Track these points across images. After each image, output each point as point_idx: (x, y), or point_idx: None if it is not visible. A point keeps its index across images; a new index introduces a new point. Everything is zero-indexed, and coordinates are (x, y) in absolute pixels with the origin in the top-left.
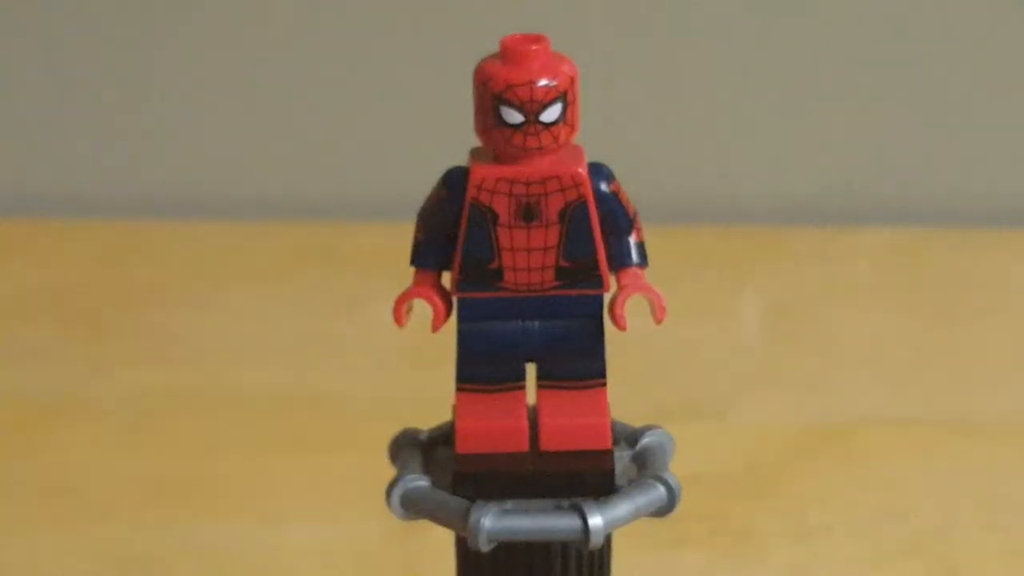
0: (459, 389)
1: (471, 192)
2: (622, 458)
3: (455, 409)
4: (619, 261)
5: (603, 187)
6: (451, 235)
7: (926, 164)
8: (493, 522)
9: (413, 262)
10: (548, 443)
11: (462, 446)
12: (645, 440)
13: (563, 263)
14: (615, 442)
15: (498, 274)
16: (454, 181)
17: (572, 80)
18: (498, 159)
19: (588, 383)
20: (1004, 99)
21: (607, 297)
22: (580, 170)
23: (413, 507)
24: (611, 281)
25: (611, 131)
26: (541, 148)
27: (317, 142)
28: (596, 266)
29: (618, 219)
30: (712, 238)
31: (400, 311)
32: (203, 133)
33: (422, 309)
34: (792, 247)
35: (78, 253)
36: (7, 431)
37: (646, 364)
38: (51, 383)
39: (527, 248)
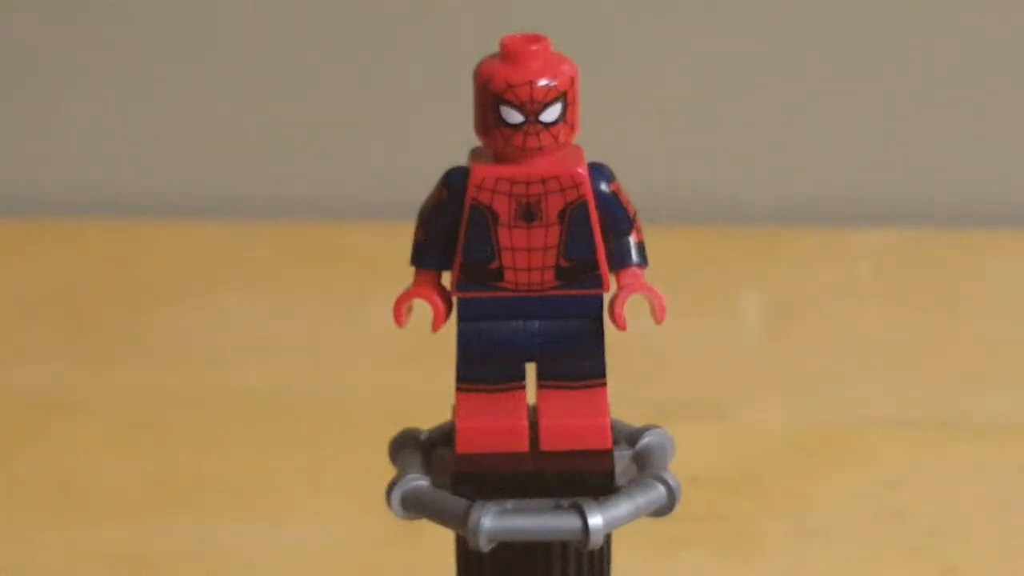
0: (459, 389)
1: (471, 192)
2: (622, 458)
3: (455, 409)
4: (619, 261)
5: (603, 187)
6: (451, 235)
7: (926, 164)
8: (493, 522)
9: (413, 262)
10: (548, 443)
11: (462, 446)
12: (645, 440)
13: (563, 263)
14: (615, 442)
15: (498, 274)
16: (454, 181)
17: (572, 80)
18: (498, 159)
19: (588, 383)
20: (1004, 99)
21: (607, 297)
22: (580, 170)
23: (413, 507)
24: (611, 281)
25: (611, 131)
26: (541, 148)
27: (317, 142)
28: (596, 266)
29: (618, 219)
30: (712, 238)
31: (400, 311)
32: (203, 133)
33: (422, 309)
34: (792, 247)
35: (78, 253)
36: (7, 431)
37: (646, 364)
38: (51, 383)
39: (527, 248)
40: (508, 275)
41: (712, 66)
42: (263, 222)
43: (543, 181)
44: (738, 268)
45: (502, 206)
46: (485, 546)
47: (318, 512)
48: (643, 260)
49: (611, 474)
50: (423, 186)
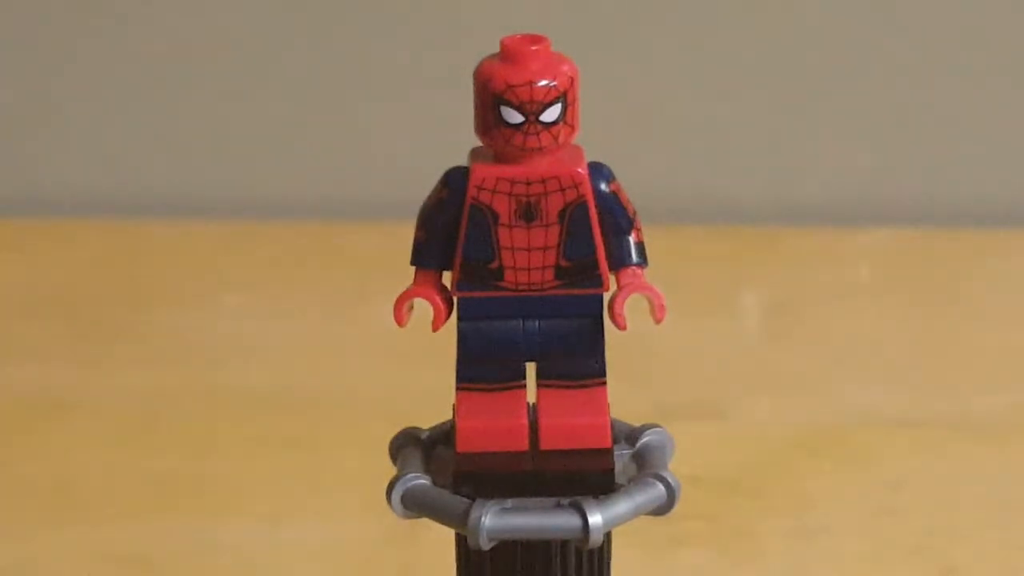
0: (459, 388)
1: (471, 192)
2: (622, 457)
3: (455, 408)
4: (619, 261)
5: (603, 187)
6: (451, 235)
7: (926, 164)
8: (493, 520)
9: (413, 262)
10: (548, 442)
11: (462, 445)
12: (645, 439)
13: (563, 263)
14: (615, 441)
15: (498, 274)
16: (454, 181)
17: (572, 80)
18: (498, 159)
19: (588, 382)
20: (1004, 99)
21: (607, 296)
22: (580, 170)
23: (413, 506)
24: (611, 280)
25: (611, 131)
26: (541, 148)
27: (317, 142)
28: (596, 266)
29: (618, 219)
30: (712, 238)
31: (400, 311)
32: (203, 133)
33: (422, 309)
34: (792, 247)
35: (78, 253)
36: (7, 431)
37: (646, 364)
38: (51, 383)
39: (527, 248)
40: (508, 275)
41: (712, 66)
42: (263, 222)
43: (543, 181)
44: (738, 268)
45: (502, 206)
46: (485, 545)
47: (318, 512)
48: (643, 260)
49: (611, 473)
50: (423, 186)
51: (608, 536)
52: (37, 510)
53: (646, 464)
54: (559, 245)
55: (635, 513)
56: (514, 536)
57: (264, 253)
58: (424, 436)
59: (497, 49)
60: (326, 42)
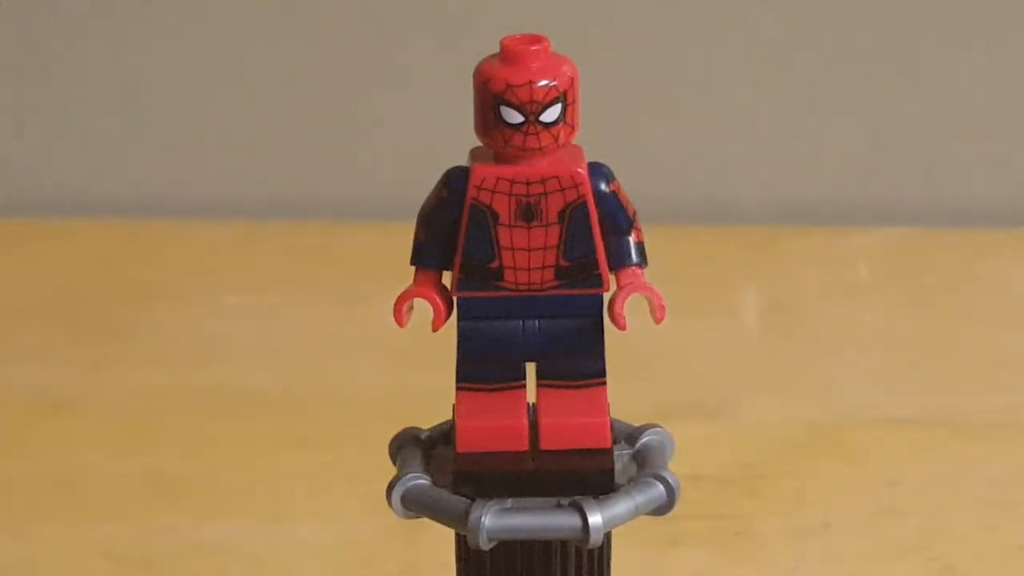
0: (459, 388)
1: (471, 192)
2: (622, 457)
3: (455, 408)
4: (619, 261)
5: (603, 187)
6: (451, 235)
7: (925, 164)
8: (493, 520)
9: (413, 262)
10: (548, 442)
11: (462, 445)
12: (644, 439)
13: (563, 263)
14: (615, 441)
15: (498, 274)
16: (455, 181)
17: (572, 80)
18: (498, 159)
19: (588, 382)
20: (1003, 99)
21: (607, 296)
22: (580, 170)
23: (413, 505)
24: (611, 280)
25: (611, 131)
26: (541, 148)
27: (317, 142)
28: (596, 265)
29: (617, 219)
30: (712, 238)
31: (400, 311)
32: (203, 133)
33: (423, 309)
34: (791, 247)
35: (78, 253)
36: (7, 431)
37: (646, 364)
38: (51, 383)
39: (527, 248)
40: (508, 275)
41: (711, 66)
42: (263, 222)
43: (543, 181)
44: (737, 268)
45: (502, 206)
46: (485, 545)
47: (319, 511)
48: (643, 260)
49: (611, 473)
50: (423, 186)
51: (608, 536)
52: (37, 510)
53: (646, 464)
54: (559, 245)
55: (635, 513)
56: (514, 536)
57: (264, 253)
58: (424, 436)
59: (497, 49)
60: (326, 42)
